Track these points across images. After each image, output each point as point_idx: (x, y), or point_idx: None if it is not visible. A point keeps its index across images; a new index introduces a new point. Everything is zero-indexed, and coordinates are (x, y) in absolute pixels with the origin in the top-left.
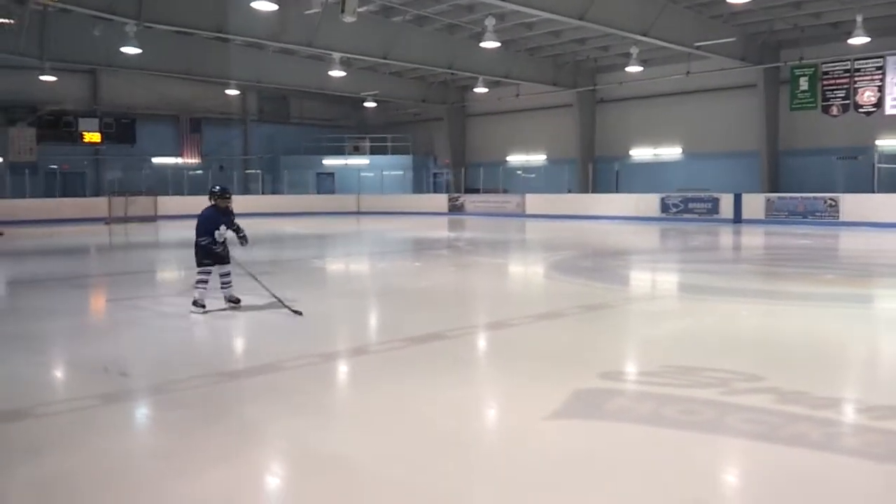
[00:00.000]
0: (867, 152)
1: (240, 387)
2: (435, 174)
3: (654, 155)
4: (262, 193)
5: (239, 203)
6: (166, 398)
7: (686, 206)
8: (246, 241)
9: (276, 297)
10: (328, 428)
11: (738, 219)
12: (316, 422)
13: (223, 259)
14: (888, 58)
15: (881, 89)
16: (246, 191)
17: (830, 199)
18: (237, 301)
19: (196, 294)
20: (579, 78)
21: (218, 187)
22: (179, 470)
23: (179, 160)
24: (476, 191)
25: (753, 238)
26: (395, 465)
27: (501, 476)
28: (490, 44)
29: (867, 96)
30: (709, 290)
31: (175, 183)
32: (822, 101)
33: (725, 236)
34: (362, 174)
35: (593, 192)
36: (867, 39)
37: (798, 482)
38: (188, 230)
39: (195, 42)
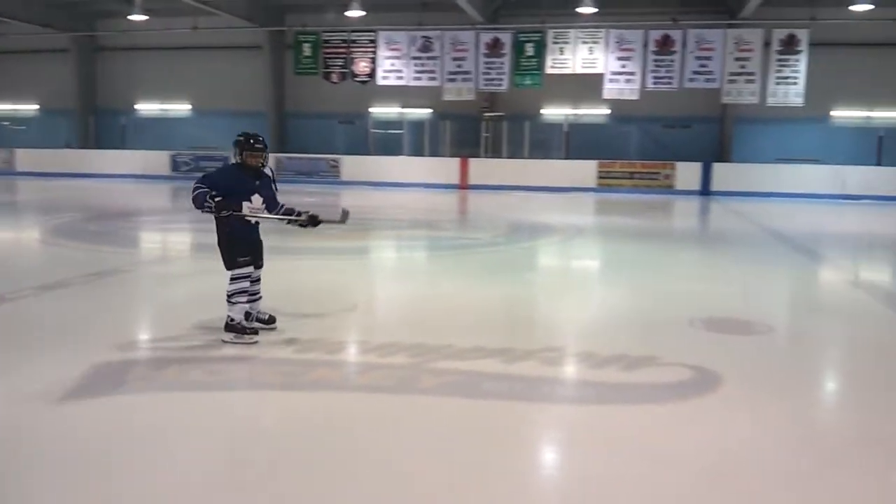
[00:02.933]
0: (363, 118)
1: None
2: None
3: (162, 110)
4: None
5: None
6: None
7: (197, 164)
8: (312, 221)
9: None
10: None
11: None
12: None
13: (260, 253)
14: (380, 32)
15: (374, 61)
16: None
17: (333, 160)
18: (272, 322)
19: (235, 312)
20: (77, 22)
21: (244, 135)
22: None
23: None
24: None
25: None
26: None
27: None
28: None
29: (362, 66)
30: None
31: None
32: (324, 67)
33: None
34: None
35: (97, 147)
36: (363, 13)
37: (319, 426)
38: None
39: None
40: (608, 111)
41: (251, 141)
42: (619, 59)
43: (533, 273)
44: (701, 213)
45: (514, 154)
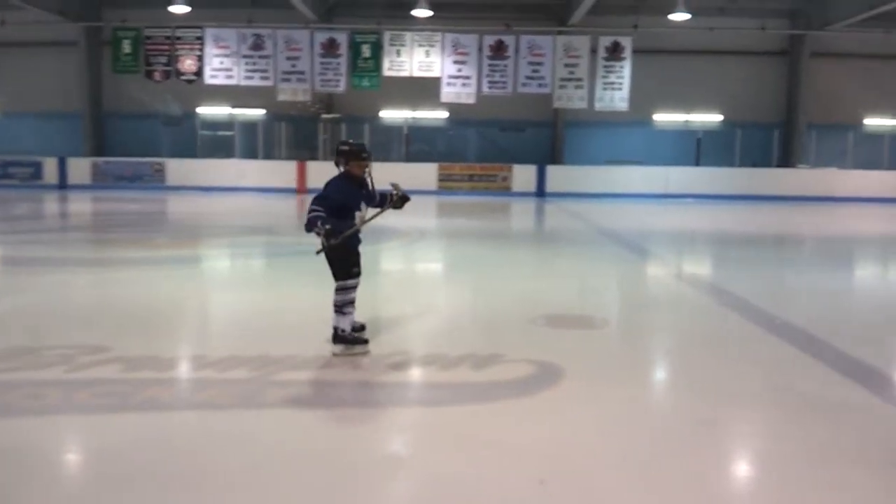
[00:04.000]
0: (190, 119)
1: None
2: None
3: None
4: None
5: None
6: None
7: (6, 170)
8: (403, 200)
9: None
10: None
11: (63, 184)
12: None
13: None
14: (207, 29)
15: (201, 59)
16: None
17: (157, 163)
18: (363, 329)
19: (346, 323)
20: None
21: (348, 143)
22: None
23: None
24: None
25: (82, 204)
26: None
27: None
28: None
29: (188, 64)
30: (39, 261)
31: None
32: (146, 65)
33: (51, 203)
34: None
35: None
36: (188, 9)
37: (151, 447)
38: None
39: None
40: (446, 114)
41: (358, 151)
42: (456, 62)
43: (378, 276)
44: (537, 213)
45: None
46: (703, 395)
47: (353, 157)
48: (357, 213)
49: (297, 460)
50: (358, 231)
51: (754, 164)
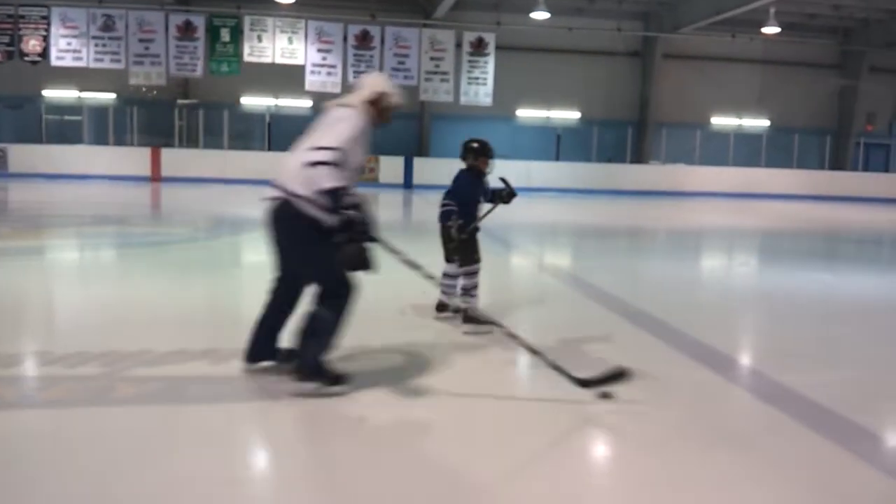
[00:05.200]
0: (35, 102)
1: None
2: None
3: None
4: None
5: None
6: None
7: None
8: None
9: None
10: None
11: None
12: None
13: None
14: (53, 8)
15: (47, 39)
16: None
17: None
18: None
19: (474, 304)
20: None
21: (478, 140)
22: None
23: None
24: None
25: None
26: None
27: None
28: None
29: (33, 45)
30: None
31: None
32: None
33: None
34: None
35: None
36: None
37: None
38: None
39: None
40: (311, 103)
41: (486, 148)
42: (320, 51)
43: (238, 269)
44: (405, 205)
45: (212, 144)
46: (564, 384)
47: (482, 154)
48: (480, 206)
49: (145, 460)
50: (478, 225)
51: (610, 160)
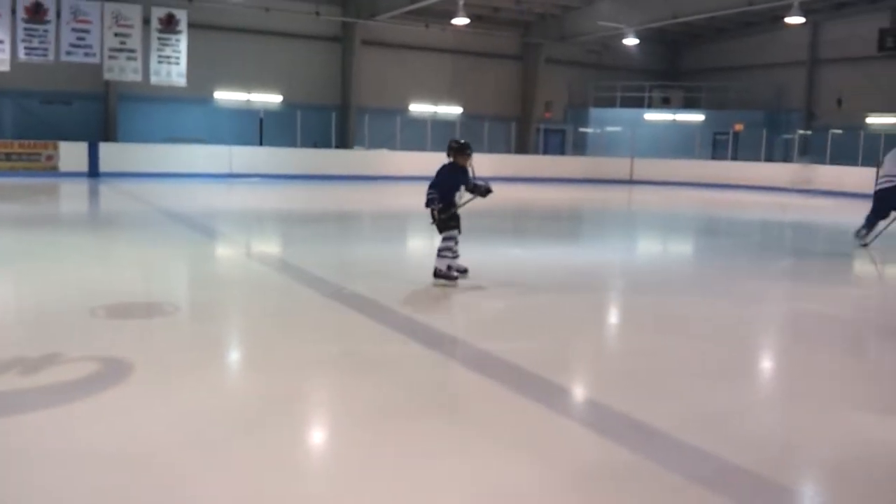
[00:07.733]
0: None
1: None
2: None
3: None
4: None
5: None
6: None
7: None
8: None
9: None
10: None
11: None
12: None
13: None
14: None
15: None
16: None
17: None
18: (466, 271)
19: (443, 263)
20: None
21: (458, 141)
22: None
23: None
24: None
25: None
26: None
27: None
28: None
29: None
30: None
31: None
32: None
33: None
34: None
35: None
36: None
37: None
38: None
39: None
40: None
41: (463, 148)
42: None
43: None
44: (91, 195)
45: None
46: (277, 370)
47: (459, 152)
48: (458, 193)
49: None
50: (457, 210)
51: (315, 145)
